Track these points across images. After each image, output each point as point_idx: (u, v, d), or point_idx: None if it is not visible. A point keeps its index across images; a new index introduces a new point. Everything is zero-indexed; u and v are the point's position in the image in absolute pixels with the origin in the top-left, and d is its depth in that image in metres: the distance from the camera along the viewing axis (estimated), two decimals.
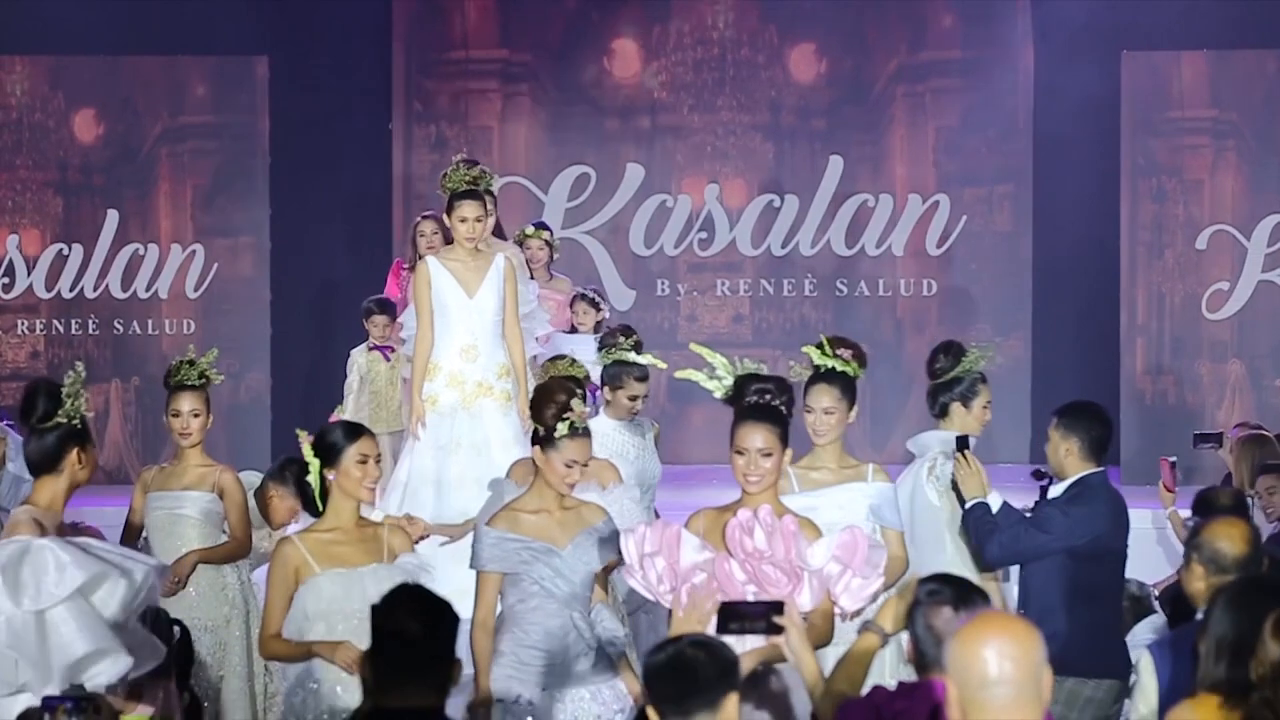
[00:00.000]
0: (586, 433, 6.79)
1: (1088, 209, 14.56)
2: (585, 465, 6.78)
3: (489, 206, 9.97)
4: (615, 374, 8.94)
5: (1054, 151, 14.57)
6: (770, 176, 14.88)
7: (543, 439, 6.72)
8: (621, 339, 9.00)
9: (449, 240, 10.21)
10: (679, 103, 14.94)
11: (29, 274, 14.47)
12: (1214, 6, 14.18)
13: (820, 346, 7.33)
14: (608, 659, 6.73)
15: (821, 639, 5.96)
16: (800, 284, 14.82)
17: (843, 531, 5.99)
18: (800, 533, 5.96)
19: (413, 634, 4.47)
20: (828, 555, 5.92)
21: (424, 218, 11.41)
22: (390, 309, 11.78)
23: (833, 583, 5.91)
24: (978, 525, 7.23)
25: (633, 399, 8.95)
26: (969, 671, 3.84)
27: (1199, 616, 5.49)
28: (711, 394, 6.49)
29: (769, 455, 6.10)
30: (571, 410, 6.71)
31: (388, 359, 11.80)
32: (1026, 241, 14.79)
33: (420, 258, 10.61)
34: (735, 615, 5.21)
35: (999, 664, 3.82)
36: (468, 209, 9.50)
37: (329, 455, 6.59)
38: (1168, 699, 5.39)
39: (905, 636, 4.92)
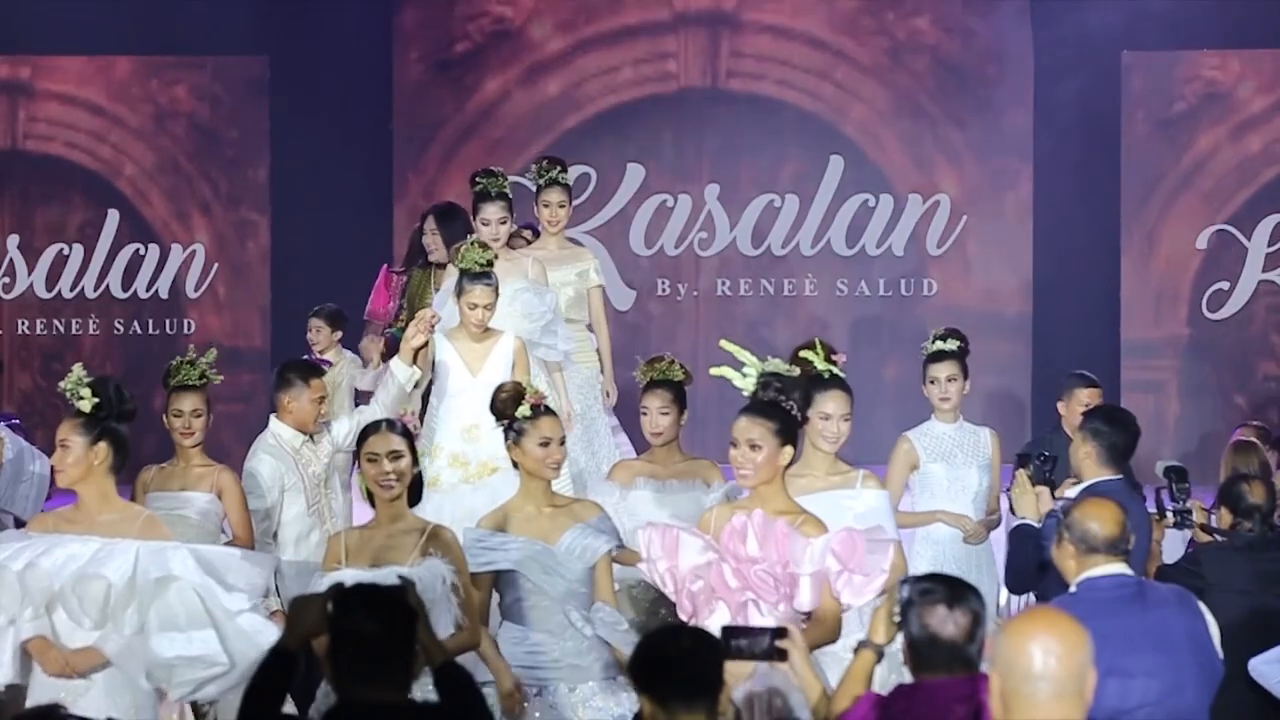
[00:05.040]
0: (550, 410, 6.80)
1: (1089, 209, 14.56)
2: (562, 443, 6.77)
3: (504, 213, 9.75)
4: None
5: (1055, 152, 14.55)
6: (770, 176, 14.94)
7: (513, 432, 6.72)
8: None
9: (448, 244, 10.08)
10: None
11: (29, 273, 14.52)
12: (1214, 6, 14.18)
13: (812, 347, 7.24)
14: (610, 655, 6.67)
15: (828, 636, 5.98)
16: (800, 284, 14.81)
17: (840, 530, 5.99)
18: (795, 534, 5.95)
19: (368, 633, 4.52)
20: (824, 555, 5.92)
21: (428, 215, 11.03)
22: (338, 319, 11.58)
23: (833, 580, 5.91)
24: (1014, 546, 7.24)
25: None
26: (1014, 664, 3.87)
27: (1072, 590, 5.64)
28: (742, 392, 6.44)
29: (757, 448, 6.06)
30: (525, 392, 6.75)
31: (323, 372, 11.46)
32: (1027, 240, 14.78)
33: (425, 253, 10.52)
34: (739, 638, 5.21)
35: (1043, 660, 3.85)
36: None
37: (357, 453, 6.68)
38: None
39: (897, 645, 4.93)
